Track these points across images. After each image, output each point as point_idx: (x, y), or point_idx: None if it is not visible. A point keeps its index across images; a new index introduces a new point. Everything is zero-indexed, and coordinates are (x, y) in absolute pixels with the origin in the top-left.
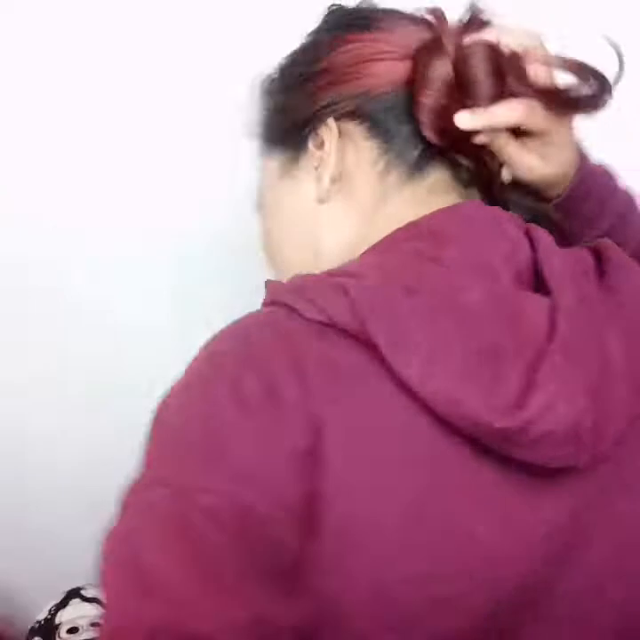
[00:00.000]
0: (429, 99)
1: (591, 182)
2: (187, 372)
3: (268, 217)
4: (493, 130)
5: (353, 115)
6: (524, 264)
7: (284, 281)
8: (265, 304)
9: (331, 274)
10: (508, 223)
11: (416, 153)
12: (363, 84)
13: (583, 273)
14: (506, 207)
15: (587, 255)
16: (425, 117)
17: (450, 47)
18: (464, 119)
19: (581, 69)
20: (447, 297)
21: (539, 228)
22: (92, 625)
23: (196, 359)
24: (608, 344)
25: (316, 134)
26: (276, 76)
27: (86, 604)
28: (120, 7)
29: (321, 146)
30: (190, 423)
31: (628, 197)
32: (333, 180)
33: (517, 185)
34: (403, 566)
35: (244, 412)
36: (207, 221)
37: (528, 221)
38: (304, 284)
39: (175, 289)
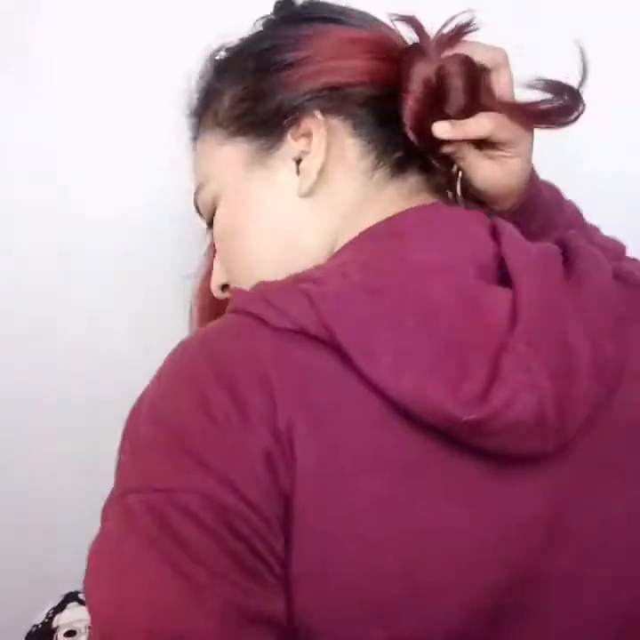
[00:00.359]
0: (413, 100)
1: (539, 197)
2: (155, 382)
3: (230, 209)
4: (462, 140)
5: (338, 110)
6: (486, 260)
7: (248, 286)
8: (231, 311)
9: (296, 279)
10: (471, 222)
11: (398, 154)
12: (347, 78)
13: (547, 265)
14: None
15: (552, 247)
16: (408, 118)
17: (433, 55)
18: (442, 128)
19: (551, 85)
20: (411, 296)
21: (506, 222)
22: (90, 628)
23: (163, 370)
24: (570, 333)
25: (298, 125)
26: (240, 57)
27: (84, 607)
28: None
29: (302, 137)
30: (161, 434)
31: (574, 211)
32: (310, 179)
33: (471, 195)
34: (378, 561)
35: (213, 423)
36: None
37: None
38: (270, 292)
39: (176, 291)
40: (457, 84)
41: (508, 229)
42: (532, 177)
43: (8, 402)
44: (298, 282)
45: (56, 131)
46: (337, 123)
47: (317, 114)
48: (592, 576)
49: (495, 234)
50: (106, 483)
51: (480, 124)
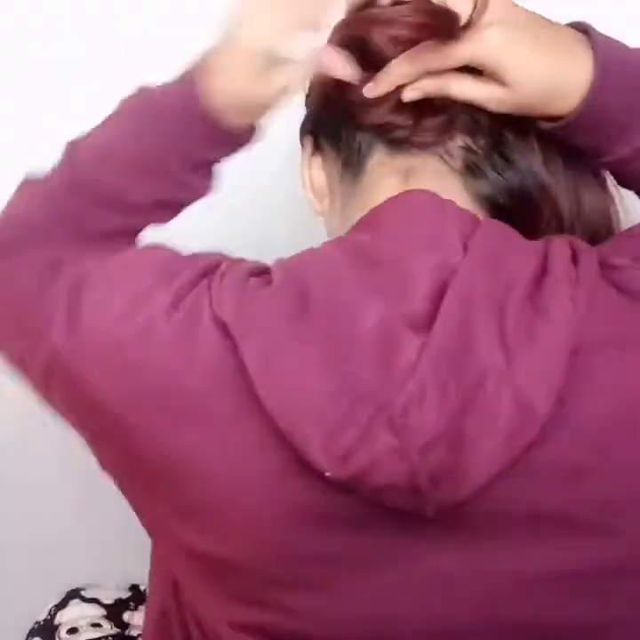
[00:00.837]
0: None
1: (612, 90)
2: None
3: None
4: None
5: (323, 129)
6: (450, 277)
7: None
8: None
9: (279, 261)
10: (450, 227)
11: (356, 147)
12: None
13: (499, 296)
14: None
15: (529, 262)
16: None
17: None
18: (369, 88)
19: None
20: (338, 320)
21: (492, 227)
22: (92, 625)
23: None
24: (488, 384)
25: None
26: None
27: (86, 604)
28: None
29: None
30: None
31: None
32: (321, 197)
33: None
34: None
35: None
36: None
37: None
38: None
39: None
40: (370, 43)
41: (479, 244)
42: (606, 57)
43: (6, 397)
44: (255, 271)
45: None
46: (323, 140)
47: (306, 140)
48: None
49: (467, 242)
50: (107, 480)
51: (400, 62)
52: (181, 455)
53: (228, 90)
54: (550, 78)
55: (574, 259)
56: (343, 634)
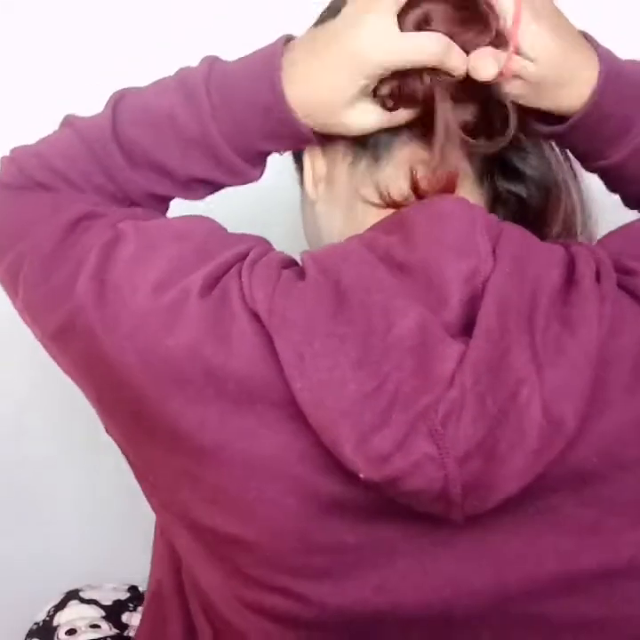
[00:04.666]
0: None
1: (614, 94)
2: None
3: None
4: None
5: None
6: (481, 288)
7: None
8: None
9: (310, 254)
10: (481, 234)
11: (378, 135)
12: None
13: (527, 307)
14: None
15: (552, 272)
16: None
17: None
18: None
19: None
20: (375, 321)
21: (513, 233)
22: (91, 626)
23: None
24: (521, 396)
25: None
26: None
27: (85, 605)
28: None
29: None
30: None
31: None
32: (317, 183)
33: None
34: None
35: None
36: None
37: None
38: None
39: None
40: None
41: (507, 251)
42: (607, 65)
43: (7, 396)
44: (284, 266)
45: None
46: None
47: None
48: None
49: (495, 248)
50: (107, 481)
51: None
52: (197, 429)
53: (314, 105)
54: (565, 61)
55: (598, 271)
56: (348, 619)
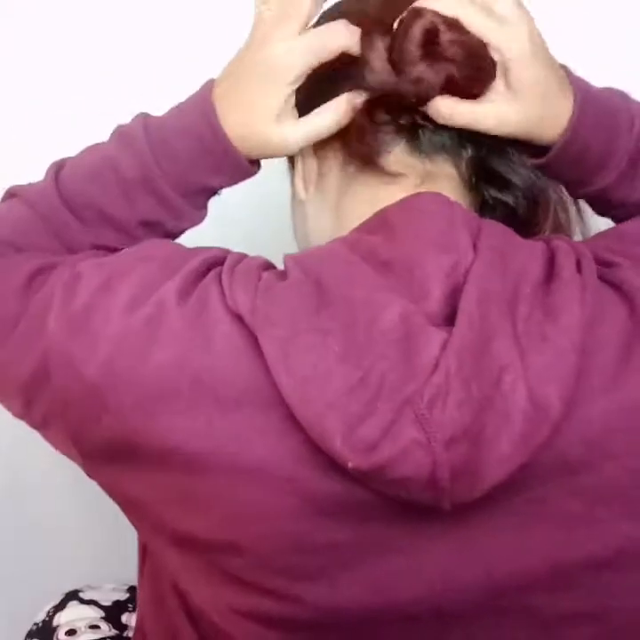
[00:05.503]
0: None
1: (590, 126)
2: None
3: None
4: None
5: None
6: (462, 280)
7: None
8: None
9: (291, 256)
10: (460, 229)
11: (372, 137)
12: None
13: (508, 297)
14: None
15: (534, 264)
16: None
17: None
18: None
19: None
20: (358, 315)
21: (493, 228)
22: (91, 627)
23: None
24: (504, 382)
25: None
26: None
27: (84, 606)
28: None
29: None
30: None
31: None
32: (308, 184)
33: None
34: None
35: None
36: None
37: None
38: (237, 267)
39: None
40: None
41: (488, 244)
42: (582, 99)
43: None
44: (264, 269)
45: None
46: None
47: None
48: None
49: (476, 243)
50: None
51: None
52: (186, 440)
53: (247, 128)
54: (547, 90)
55: (578, 263)
56: (342, 619)
